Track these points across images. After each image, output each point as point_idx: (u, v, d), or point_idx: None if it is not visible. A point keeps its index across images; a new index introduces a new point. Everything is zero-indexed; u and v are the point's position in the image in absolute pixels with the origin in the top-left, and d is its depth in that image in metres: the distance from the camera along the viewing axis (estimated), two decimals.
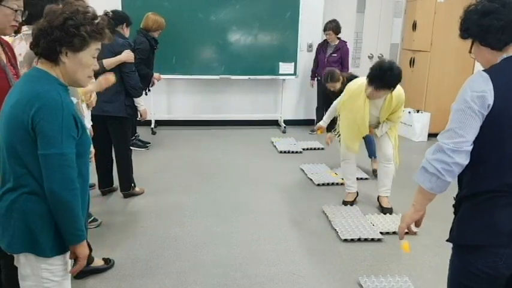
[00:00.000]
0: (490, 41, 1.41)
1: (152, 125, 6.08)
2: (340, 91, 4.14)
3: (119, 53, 3.38)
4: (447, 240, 1.54)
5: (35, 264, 1.47)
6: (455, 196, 1.53)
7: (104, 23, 1.48)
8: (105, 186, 3.77)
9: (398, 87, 3.31)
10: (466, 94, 1.36)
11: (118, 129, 3.57)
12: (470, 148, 1.36)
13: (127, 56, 3.40)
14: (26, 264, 1.49)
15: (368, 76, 3.22)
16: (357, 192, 3.77)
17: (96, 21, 1.45)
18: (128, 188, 3.73)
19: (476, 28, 1.42)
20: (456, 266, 1.52)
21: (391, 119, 3.49)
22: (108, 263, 2.70)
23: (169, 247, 2.96)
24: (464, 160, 1.37)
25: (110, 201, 3.69)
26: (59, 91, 1.40)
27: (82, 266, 1.52)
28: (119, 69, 3.39)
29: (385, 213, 3.54)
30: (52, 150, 1.36)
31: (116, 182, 3.81)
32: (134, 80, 3.51)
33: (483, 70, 1.40)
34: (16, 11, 1.85)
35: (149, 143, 5.36)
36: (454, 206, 1.54)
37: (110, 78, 2.98)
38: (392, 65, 3.14)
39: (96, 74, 2.93)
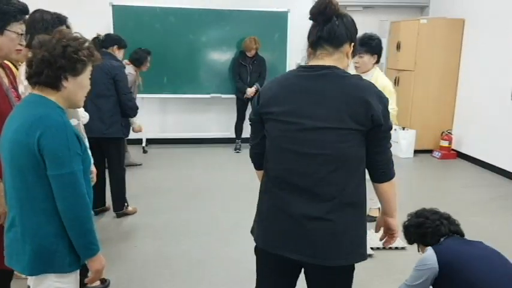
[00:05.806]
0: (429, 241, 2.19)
1: (143, 144, 6.11)
2: None
3: (115, 75, 3.46)
4: None
5: (48, 283, 1.51)
6: None
7: (93, 46, 1.57)
8: (98, 206, 3.77)
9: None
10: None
11: (114, 150, 3.63)
12: None
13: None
14: (39, 283, 1.52)
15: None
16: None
17: (87, 44, 1.53)
18: (122, 207, 3.75)
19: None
20: None
21: None
22: (104, 282, 2.71)
23: (165, 266, 2.98)
24: None
25: (102, 221, 3.70)
26: (60, 113, 1.47)
27: (96, 279, 1.57)
28: (116, 91, 3.47)
29: (369, 221, 3.59)
30: (64, 170, 1.42)
31: (108, 202, 3.83)
32: (132, 100, 3.61)
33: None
34: (21, 34, 1.89)
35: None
36: None
37: None
38: (372, 34, 3.52)
39: None
